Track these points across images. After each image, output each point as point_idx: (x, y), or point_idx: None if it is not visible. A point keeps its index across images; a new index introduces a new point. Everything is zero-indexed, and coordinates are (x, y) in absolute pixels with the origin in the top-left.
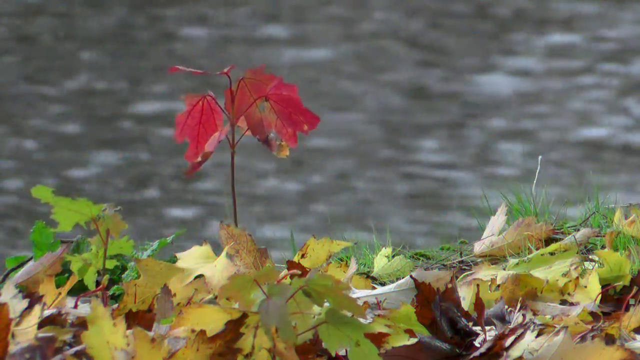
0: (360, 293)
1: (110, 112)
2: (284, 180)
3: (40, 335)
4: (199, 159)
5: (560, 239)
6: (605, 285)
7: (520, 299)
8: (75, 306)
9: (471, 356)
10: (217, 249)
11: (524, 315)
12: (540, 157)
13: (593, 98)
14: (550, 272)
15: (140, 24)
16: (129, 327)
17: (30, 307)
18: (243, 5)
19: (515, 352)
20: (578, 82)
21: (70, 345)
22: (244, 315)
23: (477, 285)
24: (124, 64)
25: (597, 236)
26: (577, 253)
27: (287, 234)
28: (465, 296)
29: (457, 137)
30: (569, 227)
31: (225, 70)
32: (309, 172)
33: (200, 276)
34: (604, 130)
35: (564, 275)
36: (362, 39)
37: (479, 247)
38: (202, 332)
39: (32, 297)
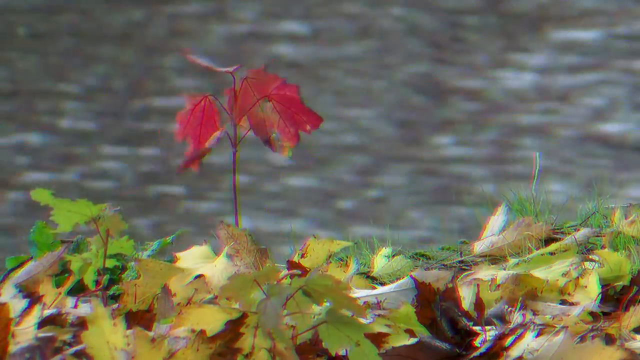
0: (361, 293)
1: (130, 107)
2: (301, 176)
3: (40, 335)
4: (199, 154)
5: (560, 239)
6: (605, 285)
7: (520, 299)
8: (75, 306)
9: (471, 356)
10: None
11: (524, 315)
12: (538, 154)
13: (611, 94)
14: (550, 272)
15: (158, 20)
16: (129, 327)
17: (30, 307)
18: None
19: (516, 352)
20: (595, 78)
21: (70, 345)
22: (244, 315)
23: (477, 285)
24: (145, 59)
25: (597, 236)
26: (577, 253)
27: (309, 230)
28: (466, 296)
29: (474, 133)
30: (569, 227)
31: (231, 69)
32: (326, 169)
33: (200, 276)
34: (620, 126)
35: (564, 275)
36: (378, 35)
37: (479, 247)
38: (202, 332)
39: (32, 297)
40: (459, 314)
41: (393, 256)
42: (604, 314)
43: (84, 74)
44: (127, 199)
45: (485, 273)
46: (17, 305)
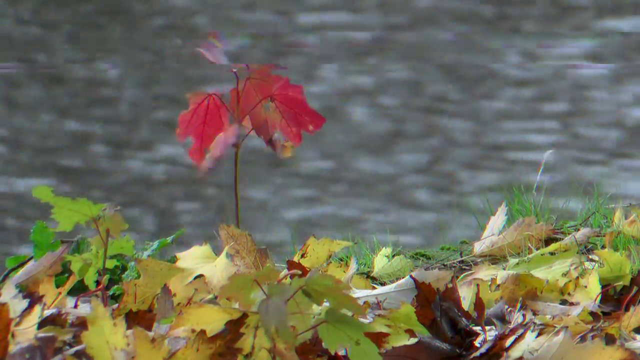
0: (361, 293)
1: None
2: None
3: (40, 335)
4: (210, 164)
5: (560, 239)
6: (605, 285)
7: (521, 299)
8: (75, 306)
9: (471, 356)
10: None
11: (524, 315)
12: (548, 152)
13: None
14: (551, 272)
15: (202, 8)
16: (129, 327)
17: (30, 307)
18: None
19: (516, 352)
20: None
21: (70, 345)
22: (244, 315)
23: (478, 285)
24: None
25: (597, 236)
26: (577, 253)
27: (366, 216)
28: (466, 296)
29: (527, 120)
30: (569, 227)
31: (235, 67)
32: (385, 156)
33: (200, 276)
34: None
35: (564, 275)
36: (421, 23)
37: (479, 247)
38: (202, 332)
39: (32, 297)
40: (459, 314)
41: (393, 256)
42: (604, 314)
43: (129, 62)
44: (181, 183)
45: (485, 273)
46: (17, 305)
